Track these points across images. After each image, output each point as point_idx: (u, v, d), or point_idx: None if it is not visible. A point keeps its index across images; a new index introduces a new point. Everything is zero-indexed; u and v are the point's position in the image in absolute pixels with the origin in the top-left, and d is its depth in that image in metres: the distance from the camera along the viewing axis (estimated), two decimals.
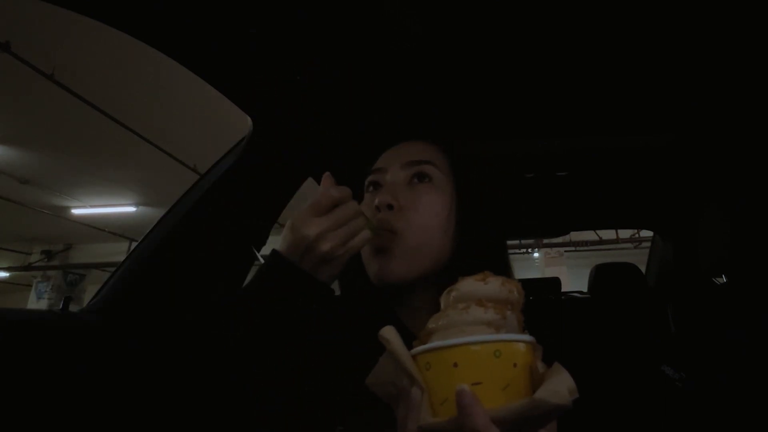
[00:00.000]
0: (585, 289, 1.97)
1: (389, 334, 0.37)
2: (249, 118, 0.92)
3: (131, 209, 6.58)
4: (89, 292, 7.97)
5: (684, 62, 0.85)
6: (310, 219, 0.48)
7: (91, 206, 6.48)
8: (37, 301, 7.71)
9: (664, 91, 0.96)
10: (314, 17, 0.68)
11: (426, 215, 0.56)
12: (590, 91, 0.96)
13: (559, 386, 0.30)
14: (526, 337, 0.34)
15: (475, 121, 1.07)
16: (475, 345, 0.33)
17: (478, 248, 0.59)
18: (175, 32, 0.68)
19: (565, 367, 0.32)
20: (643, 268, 1.93)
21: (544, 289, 1.91)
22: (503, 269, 0.61)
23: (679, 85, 0.94)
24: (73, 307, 0.70)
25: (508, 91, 0.95)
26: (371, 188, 0.63)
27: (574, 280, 5.98)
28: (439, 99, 0.98)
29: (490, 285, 0.36)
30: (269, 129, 0.94)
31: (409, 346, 0.38)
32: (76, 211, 6.59)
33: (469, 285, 0.37)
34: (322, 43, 0.75)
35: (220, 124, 3.06)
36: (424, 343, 0.36)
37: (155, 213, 6.19)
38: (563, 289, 1.97)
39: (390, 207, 0.55)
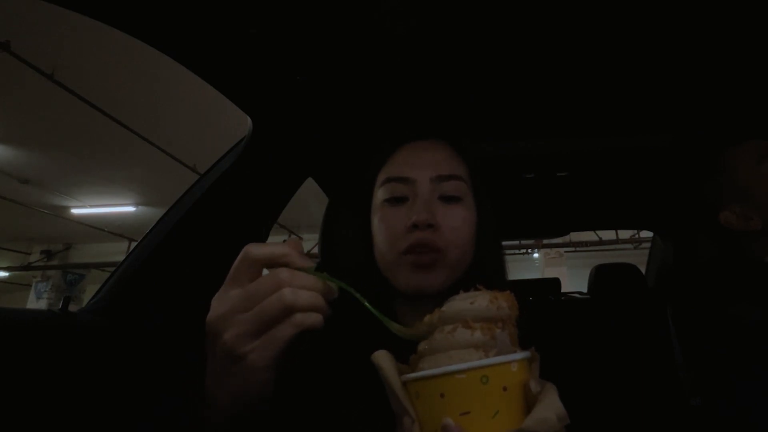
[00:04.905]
0: (585, 290, 1.97)
1: (382, 360, 0.35)
2: (249, 118, 0.92)
3: (131, 209, 6.57)
4: (89, 292, 7.97)
5: (683, 63, 0.85)
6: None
7: (91, 206, 6.48)
8: (36, 300, 7.71)
9: (664, 91, 0.96)
10: (314, 17, 0.68)
11: (462, 233, 0.58)
12: (590, 92, 0.96)
13: (548, 413, 0.29)
14: (517, 355, 0.32)
15: (475, 121, 1.07)
16: (461, 373, 0.31)
17: (490, 254, 0.62)
18: (175, 32, 0.68)
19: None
20: (643, 269, 1.93)
21: (543, 290, 1.91)
22: (499, 271, 0.63)
23: (679, 85, 0.94)
24: (73, 307, 0.70)
25: (508, 91, 0.95)
26: (394, 199, 0.59)
27: (574, 281, 5.98)
28: (439, 99, 0.97)
29: (477, 304, 0.34)
30: (269, 129, 0.94)
31: (405, 360, 0.36)
32: (75, 211, 6.59)
33: (455, 306, 0.35)
34: (322, 43, 0.75)
35: (220, 124, 3.06)
36: (415, 367, 0.34)
37: (155, 213, 6.20)
38: (563, 290, 1.97)
39: (430, 226, 0.55)
